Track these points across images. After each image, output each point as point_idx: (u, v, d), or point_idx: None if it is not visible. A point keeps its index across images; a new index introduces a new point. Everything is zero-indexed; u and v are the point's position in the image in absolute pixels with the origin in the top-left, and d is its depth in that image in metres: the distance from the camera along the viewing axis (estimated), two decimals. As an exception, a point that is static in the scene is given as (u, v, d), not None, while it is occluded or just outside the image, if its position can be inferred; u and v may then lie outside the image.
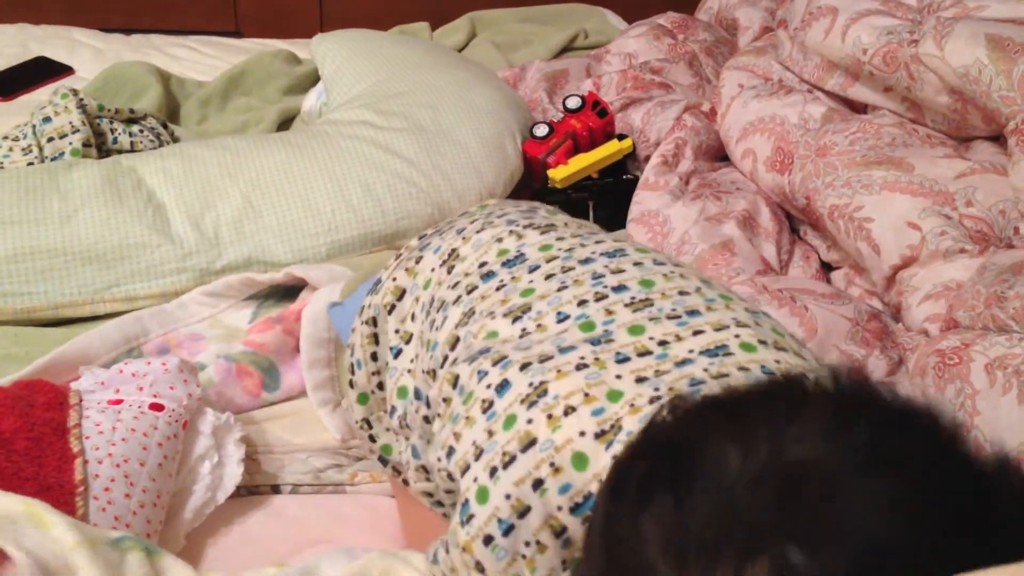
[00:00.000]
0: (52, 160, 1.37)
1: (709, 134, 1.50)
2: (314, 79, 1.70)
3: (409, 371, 0.83)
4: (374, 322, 0.88)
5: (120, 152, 1.44)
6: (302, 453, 1.05)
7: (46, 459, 0.87)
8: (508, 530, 0.62)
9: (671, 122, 1.49)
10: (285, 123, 1.66)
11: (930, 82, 1.19)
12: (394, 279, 0.88)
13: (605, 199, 1.43)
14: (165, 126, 1.55)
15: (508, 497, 0.62)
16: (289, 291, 1.24)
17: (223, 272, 1.23)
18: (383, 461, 0.89)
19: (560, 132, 1.46)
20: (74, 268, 1.19)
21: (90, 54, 1.84)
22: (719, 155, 1.50)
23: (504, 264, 0.80)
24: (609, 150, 1.45)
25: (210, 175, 1.29)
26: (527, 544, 0.62)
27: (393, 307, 0.87)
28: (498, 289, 0.78)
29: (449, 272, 0.84)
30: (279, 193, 1.29)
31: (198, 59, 1.87)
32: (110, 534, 0.73)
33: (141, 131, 1.48)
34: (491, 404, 0.66)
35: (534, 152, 1.45)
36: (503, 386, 0.66)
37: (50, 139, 1.39)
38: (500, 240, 0.83)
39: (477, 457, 0.65)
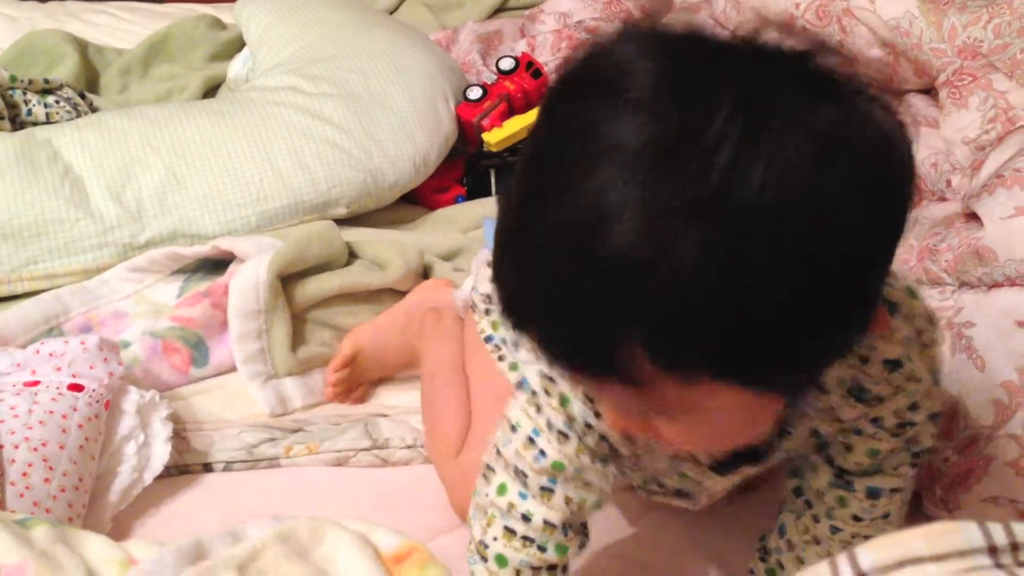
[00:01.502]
0: (-38, 134, 1.31)
1: (645, 93, 1.48)
2: (240, 44, 1.65)
3: None
4: None
5: (35, 124, 1.38)
6: (233, 429, 1.02)
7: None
8: None
9: (606, 82, 1.47)
10: (211, 91, 1.60)
11: (862, 35, 1.19)
12: None
13: (541, 162, 1.40)
14: (83, 96, 1.49)
15: None
16: (218, 264, 1.20)
17: (147, 246, 1.19)
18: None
19: (494, 94, 1.44)
20: (-12, 246, 1.14)
21: (2, 23, 1.76)
22: (655, 115, 1.49)
23: None
24: (544, 112, 1.42)
25: (130, 146, 1.24)
26: None
27: None
28: None
29: None
30: (204, 163, 1.24)
31: (117, 25, 1.79)
32: (13, 516, 0.70)
33: (57, 102, 1.42)
34: None
35: (468, 116, 1.42)
36: None
37: (-41, 112, 1.33)
38: None
39: None
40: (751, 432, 0.62)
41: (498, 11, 1.88)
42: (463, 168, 1.42)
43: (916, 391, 0.67)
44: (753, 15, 1.34)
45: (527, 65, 1.46)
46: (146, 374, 1.06)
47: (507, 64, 1.47)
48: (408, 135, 1.34)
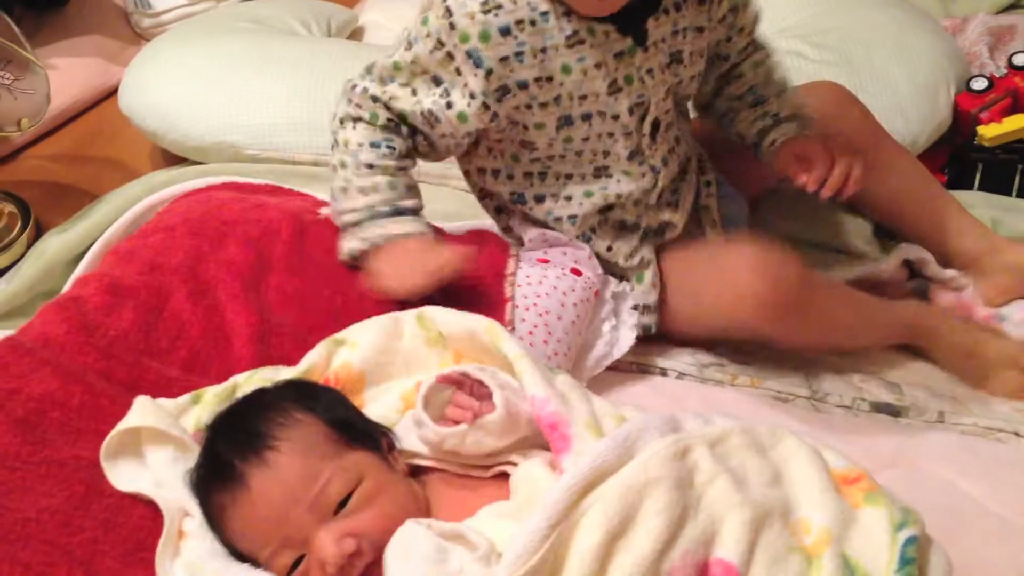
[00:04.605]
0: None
1: None
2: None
3: None
4: None
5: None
6: (688, 351, 1.12)
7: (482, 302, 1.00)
8: None
9: None
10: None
11: None
12: None
13: (1034, 165, 1.34)
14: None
15: None
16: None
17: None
18: None
19: (1000, 88, 1.39)
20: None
21: None
22: None
23: None
24: (1053, 115, 1.36)
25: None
26: None
27: None
28: None
29: None
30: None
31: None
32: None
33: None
34: None
35: (967, 106, 1.39)
36: None
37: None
38: None
39: None
40: None
41: (1012, 7, 1.79)
42: (946, 157, 1.40)
43: None
44: None
45: (1043, 64, 1.40)
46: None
47: (1021, 59, 1.41)
48: (901, 113, 1.35)
